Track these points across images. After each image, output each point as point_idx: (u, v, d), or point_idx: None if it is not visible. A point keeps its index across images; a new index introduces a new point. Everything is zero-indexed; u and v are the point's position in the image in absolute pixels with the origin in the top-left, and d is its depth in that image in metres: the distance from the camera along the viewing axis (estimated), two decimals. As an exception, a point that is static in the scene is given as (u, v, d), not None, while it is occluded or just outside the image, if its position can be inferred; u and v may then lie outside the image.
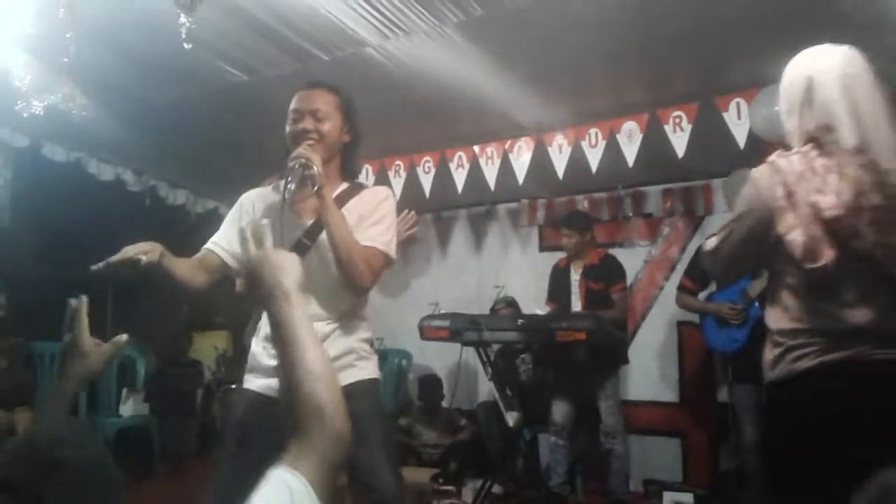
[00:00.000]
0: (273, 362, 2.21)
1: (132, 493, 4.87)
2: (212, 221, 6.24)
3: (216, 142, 4.89)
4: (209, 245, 2.37)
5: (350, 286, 2.24)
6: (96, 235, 5.85)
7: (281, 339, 1.16)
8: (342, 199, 2.30)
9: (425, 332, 4.29)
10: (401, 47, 3.66)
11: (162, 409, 5.52)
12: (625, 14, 3.37)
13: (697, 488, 4.44)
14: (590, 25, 3.46)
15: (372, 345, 2.39)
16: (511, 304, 5.27)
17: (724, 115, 3.97)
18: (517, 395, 4.37)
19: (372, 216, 2.29)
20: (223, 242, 2.35)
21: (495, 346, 4.46)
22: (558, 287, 4.84)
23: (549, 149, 4.52)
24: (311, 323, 1.20)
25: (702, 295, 4.29)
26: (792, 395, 1.85)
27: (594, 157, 4.37)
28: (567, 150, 4.46)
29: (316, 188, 2.12)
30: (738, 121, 3.94)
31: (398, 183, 4.95)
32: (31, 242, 5.45)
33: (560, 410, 4.57)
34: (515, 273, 5.86)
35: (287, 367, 1.12)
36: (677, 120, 4.10)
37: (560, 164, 4.49)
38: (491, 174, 4.73)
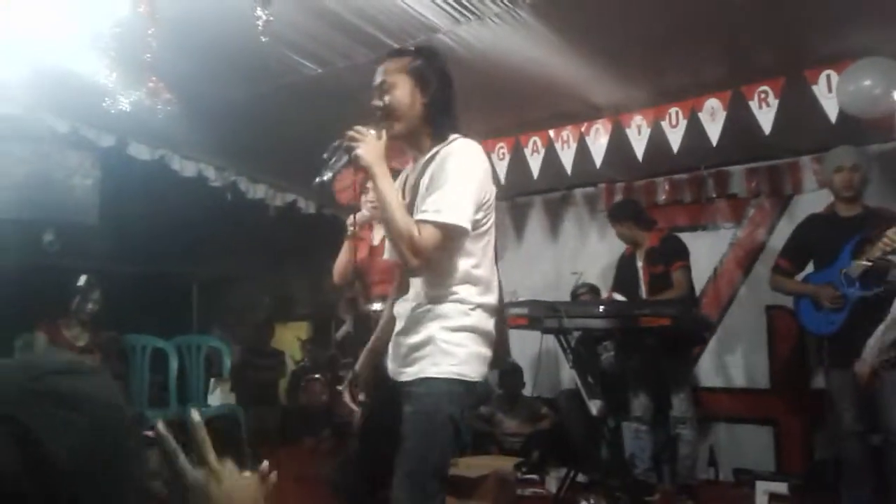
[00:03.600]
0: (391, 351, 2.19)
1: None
2: (290, 214, 6.36)
3: (292, 135, 4.94)
4: None
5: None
6: (180, 231, 6.06)
7: None
8: (423, 169, 2.11)
9: (504, 320, 4.24)
10: (472, 32, 3.61)
11: (247, 398, 5.65)
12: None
13: (792, 477, 4.27)
14: (667, -1, 3.35)
15: (462, 330, 2.06)
16: (592, 290, 5.17)
17: (814, 88, 3.78)
18: (599, 383, 4.29)
19: (433, 181, 2.03)
20: None
21: (576, 333, 4.38)
22: (625, 277, 4.74)
23: (628, 130, 4.40)
24: None
25: (799, 276, 4.06)
26: None
27: (675, 138, 4.23)
28: (646, 132, 4.33)
29: (355, 163, 1.99)
30: (829, 94, 3.75)
31: (473, 171, 4.91)
32: (119, 239, 5.65)
33: (639, 397, 4.50)
34: (593, 259, 5.75)
35: None
36: (763, 95, 3.92)
37: (639, 145, 4.37)
38: (567, 158, 4.64)
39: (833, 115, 3.77)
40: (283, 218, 6.34)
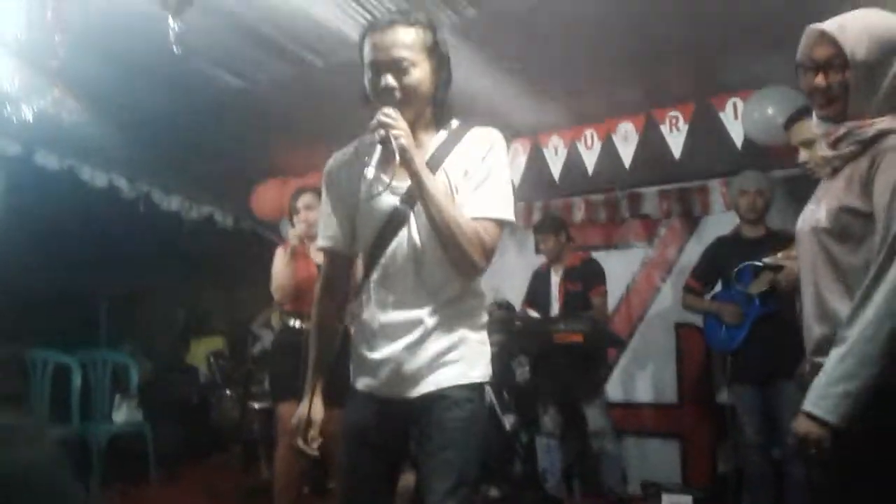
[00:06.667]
0: (377, 356, 1.87)
1: (127, 500, 4.85)
2: (206, 228, 6.23)
3: (209, 147, 4.86)
4: (323, 243, 1.99)
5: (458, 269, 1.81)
6: (91, 243, 5.84)
7: None
8: (441, 154, 1.86)
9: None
10: (394, 50, 3.62)
11: (157, 415, 5.49)
12: (620, 14, 3.35)
13: (696, 490, 4.40)
14: (585, 26, 3.44)
15: (484, 328, 1.93)
16: (505, 306, 5.23)
17: (721, 114, 3.95)
18: (513, 398, 4.34)
19: (478, 172, 1.83)
20: (332, 234, 1.97)
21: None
22: (537, 291, 4.85)
23: (545, 150, 4.50)
24: None
25: (709, 296, 4.23)
26: None
27: (590, 159, 4.35)
28: (563, 152, 4.44)
29: (400, 157, 1.72)
30: (735, 121, 3.93)
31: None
32: (26, 251, 5.41)
33: (549, 412, 4.57)
34: (510, 276, 5.80)
35: None
36: (674, 120, 4.08)
37: (556, 166, 4.47)
38: (486, 176, 4.69)
39: (739, 141, 3.94)
40: (198, 231, 6.20)
